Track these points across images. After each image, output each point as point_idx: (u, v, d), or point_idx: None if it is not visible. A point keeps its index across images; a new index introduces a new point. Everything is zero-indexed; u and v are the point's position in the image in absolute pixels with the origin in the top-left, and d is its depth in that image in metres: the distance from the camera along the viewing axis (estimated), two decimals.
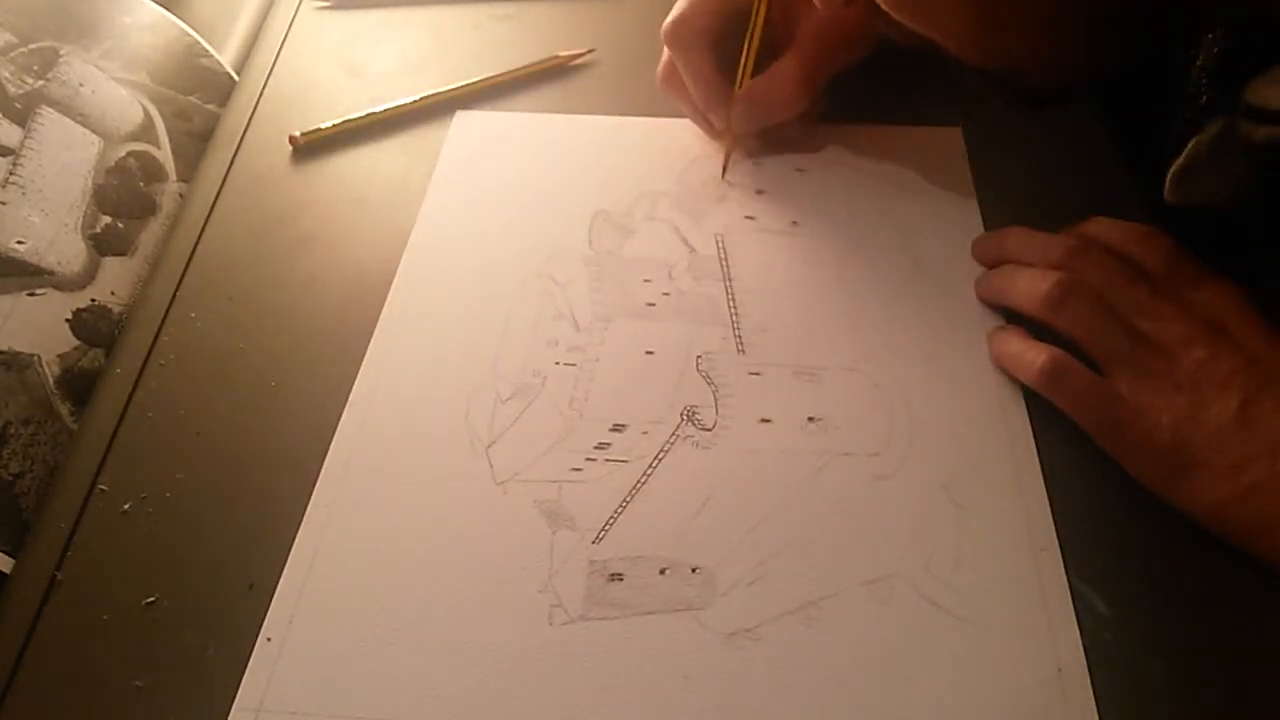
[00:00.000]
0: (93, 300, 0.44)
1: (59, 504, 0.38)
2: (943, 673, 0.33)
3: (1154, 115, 0.42)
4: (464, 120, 0.53)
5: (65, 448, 0.40)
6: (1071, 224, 0.42)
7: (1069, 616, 0.34)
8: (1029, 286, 0.40)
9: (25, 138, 0.45)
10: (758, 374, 0.41)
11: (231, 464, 0.39)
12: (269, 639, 0.34)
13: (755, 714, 0.32)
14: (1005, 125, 0.50)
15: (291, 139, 0.51)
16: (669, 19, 0.47)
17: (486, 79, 0.55)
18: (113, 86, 0.50)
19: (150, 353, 0.42)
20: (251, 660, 0.33)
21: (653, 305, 0.44)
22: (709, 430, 0.39)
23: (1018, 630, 0.33)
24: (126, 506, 0.38)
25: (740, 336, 0.42)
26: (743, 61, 0.47)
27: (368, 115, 0.53)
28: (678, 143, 0.51)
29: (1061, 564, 0.35)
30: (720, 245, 0.46)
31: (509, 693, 0.32)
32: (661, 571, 0.35)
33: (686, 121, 0.51)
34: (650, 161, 0.50)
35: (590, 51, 0.57)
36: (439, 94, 0.54)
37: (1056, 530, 0.36)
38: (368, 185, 0.50)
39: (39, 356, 0.41)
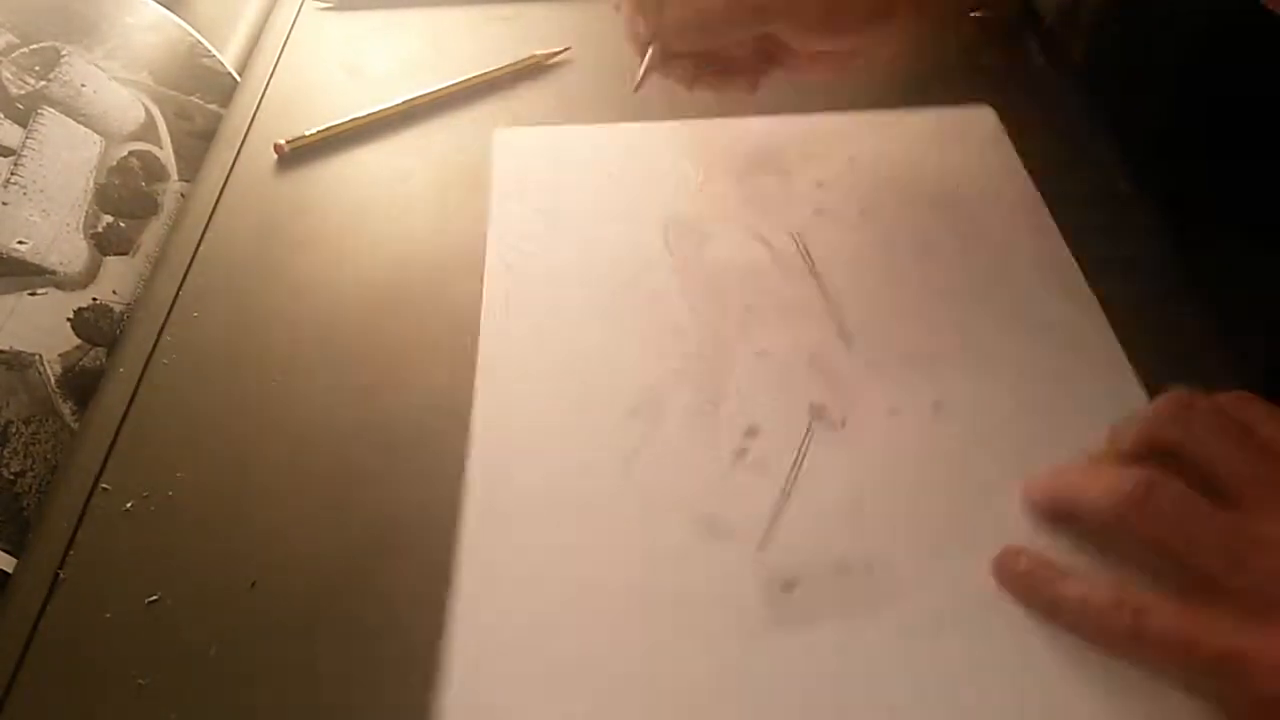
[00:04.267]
0: (94, 299, 0.44)
1: (61, 503, 0.38)
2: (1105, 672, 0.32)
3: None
4: (505, 139, 0.52)
5: (67, 447, 0.40)
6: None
7: None
8: (1107, 485, 0.33)
9: (27, 138, 0.45)
10: (871, 365, 0.41)
11: (234, 462, 0.39)
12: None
13: (949, 702, 0.31)
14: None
15: (276, 148, 0.51)
16: None
17: (467, 80, 0.55)
18: (115, 86, 0.50)
19: (152, 352, 0.42)
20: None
21: (750, 307, 0.43)
22: (842, 428, 0.39)
23: None
24: (129, 505, 0.38)
25: (846, 331, 0.42)
26: None
27: (351, 120, 0.53)
28: (729, 140, 0.51)
29: None
30: (799, 242, 0.46)
31: (707, 714, 0.31)
32: (836, 572, 0.34)
33: (734, 120, 0.51)
34: (709, 163, 0.50)
35: (566, 49, 0.57)
36: (423, 96, 0.54)
37: None
38: (368, 185, 0.50)
39: (40, 356, 0.41)
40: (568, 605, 0.34)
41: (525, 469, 0.38)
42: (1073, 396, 0.39)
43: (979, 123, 0.51)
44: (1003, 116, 0.51)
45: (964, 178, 0.48)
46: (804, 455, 0.38)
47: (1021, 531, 0.35)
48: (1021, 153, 0.49)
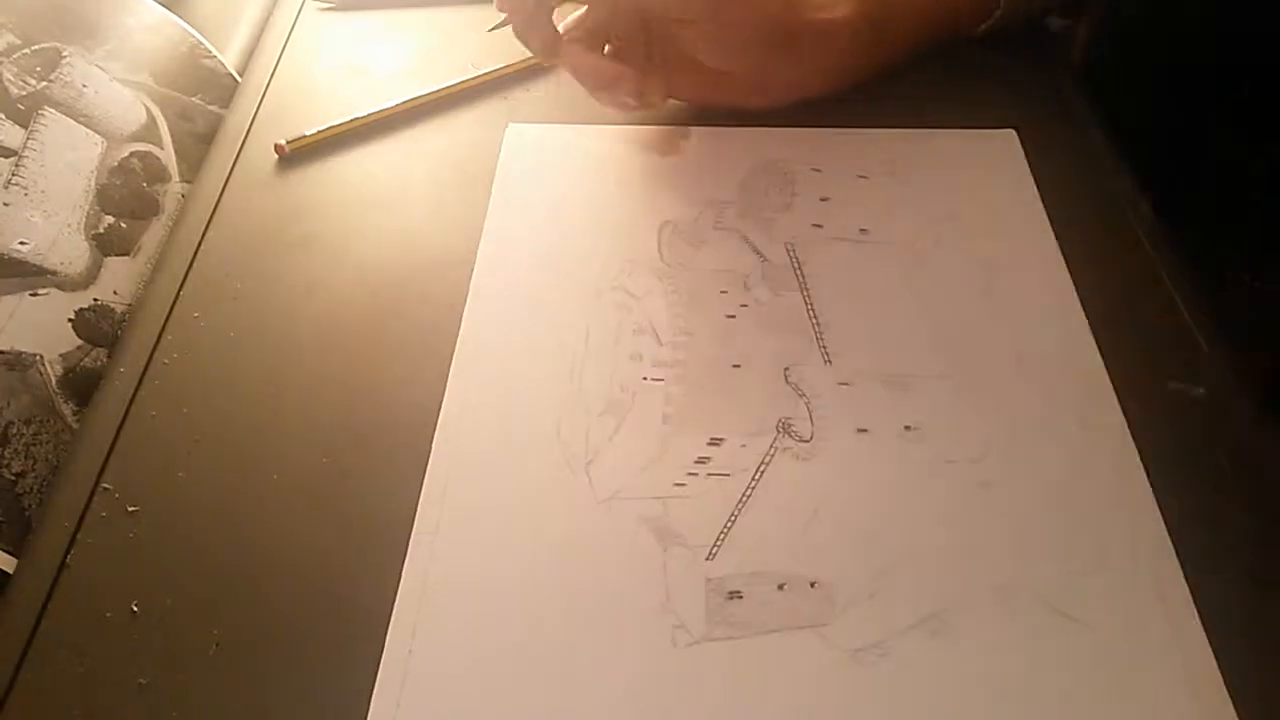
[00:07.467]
0: (95, 300, 0.44)
1: (62, 503, 0.38)
2: (1072, 683, 0.32)
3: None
4: (517, 133, 0.52)
5: (68, 447, 0.40)
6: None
7: (1193, 622, 0.33)
8: None
9: (28, 139, 0.45)
10: (847, 384, 0.40)
11: (234, 463, 0.39)
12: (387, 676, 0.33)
13: None
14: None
15: (277, 148, 0.51)
16: None
17: (471, 79, 0.55)
18: (116, 87, 0.50)
19: (153, 352, 0.42)
20: (375, 695, 0.32)
21: (732, 317, 0.43)
22: (807, 442, 0.38)
23: (1141, 639, 0.33)
24: (129, 505, 0.38)
25: (825, 347, 0.42)
26: None
27: (352, 121, 0.53)
28: (738, 150, 0.50)
29: (1179, 566, 0.34)
30: (792, 254, 0.45)
31: (636, 718, 0.32)
32: (780, 587, 0.34)
33: (745, 130, 0.51)
34: (712, 170, 0.49)
35: None
36: (424, 96, 0.54)
37: (1170, 530, 0.35)
38: (369, 185, 0.50)
39: (41, 356, 0.41)
40: (511, 603, 0.34)
41: (485, 458, 0.38)
42: (1054, 428, 0.39)
43: (1000, 147, 0.50)
44: (1026, 140, 0.50)
45: (973, 202, 0.47)
46: (765, 468, 0.38)
47: (970, 576, 0.35)
48: (1039, 179, 0.48)
